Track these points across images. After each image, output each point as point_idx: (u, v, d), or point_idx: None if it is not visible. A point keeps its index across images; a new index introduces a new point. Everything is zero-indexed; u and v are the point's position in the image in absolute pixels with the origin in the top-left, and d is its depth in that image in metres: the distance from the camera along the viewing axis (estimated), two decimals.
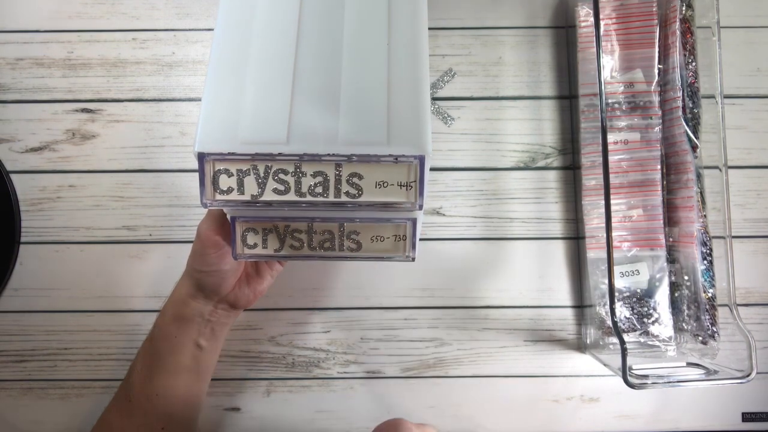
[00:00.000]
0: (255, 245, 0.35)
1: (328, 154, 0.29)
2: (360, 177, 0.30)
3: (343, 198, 0.30)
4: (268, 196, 0.30)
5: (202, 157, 0.29)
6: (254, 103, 0.30)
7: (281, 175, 0.30)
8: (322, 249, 0.35)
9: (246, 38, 0.31)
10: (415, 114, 0.30)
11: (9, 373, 0.53)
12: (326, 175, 0.30)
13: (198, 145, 0.29)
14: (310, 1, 0.32)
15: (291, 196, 0.30)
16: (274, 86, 0.30)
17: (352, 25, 0.31)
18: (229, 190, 0.30)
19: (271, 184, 0.30)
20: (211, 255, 0.40)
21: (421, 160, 0.29)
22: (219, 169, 0.30)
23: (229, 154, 0.29)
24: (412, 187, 0.30)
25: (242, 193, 0.30)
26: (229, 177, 0.30)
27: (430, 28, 0.54)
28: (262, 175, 0.30)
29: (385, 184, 0.30)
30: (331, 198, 0.30)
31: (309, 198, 0.30)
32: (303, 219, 0.34)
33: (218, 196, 0.30)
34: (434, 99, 0.55)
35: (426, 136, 0.30)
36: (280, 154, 0.29)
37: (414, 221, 0.34)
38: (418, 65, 0.31)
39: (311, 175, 0.30)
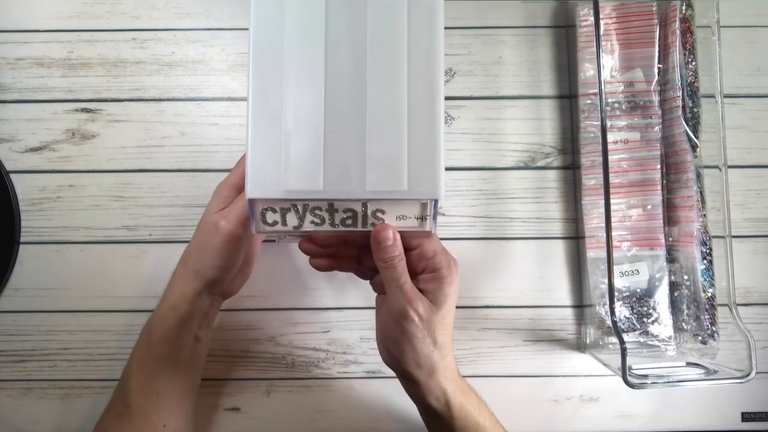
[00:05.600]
0: (275, 223, 0.37)
1: (358, 199, 0.36)
2: (383, 212, 0.36)
3: (369, 228, 0.37)
4: (307, 227, 0.37)
5: (252, 201, 0.35)
6: (293, 155, 0.35)
7: (317, 211, 0.36)
8: (343, 226, 0.37)
9: (278, 87, 0.35)
10: (431, 162, 0.35)
11: (9, 373, 0.53)
12: (355, 211, 0.36)
13: (249, 193, 0.35)
14: (335, 63, 0.35)
15: (326, 227, 0.37)
16: (309, 138, 0.35)
17: (374, 77, 0.35)
18: (274, 223, 0.36)
19: (309, 217, 0.36)
20: (232, 249, 0.40)
21: (435, 201, 0.36)
22: (265, 208, 0.36)
23: (276, 200, 0.36)
24: (426, 218, 0.37)
25: (285, 224, 0.36)
26: (273, 213, 0.36)
27: None
28: (301, 212, 0.36)
29: (404, 217, 0.37)
30: (359, 228, 0.37)
31: (341, 228, 0.37)
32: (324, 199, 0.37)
33: (265, 227, 0.37)
34: None
35: (440, 182, 0.35)
36: (316, 201, 0.36)
37: (435, 201, 0.37)
38: (434, 116, 0.35)
39: (342, 211, 0.36)
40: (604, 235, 0.47)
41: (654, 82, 0.50)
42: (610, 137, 0.50)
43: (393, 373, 0.42)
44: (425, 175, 0.34)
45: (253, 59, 0.35)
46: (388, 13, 0.35)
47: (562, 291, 0.54)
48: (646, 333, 0.50)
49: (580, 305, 0.53)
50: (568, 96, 0.55)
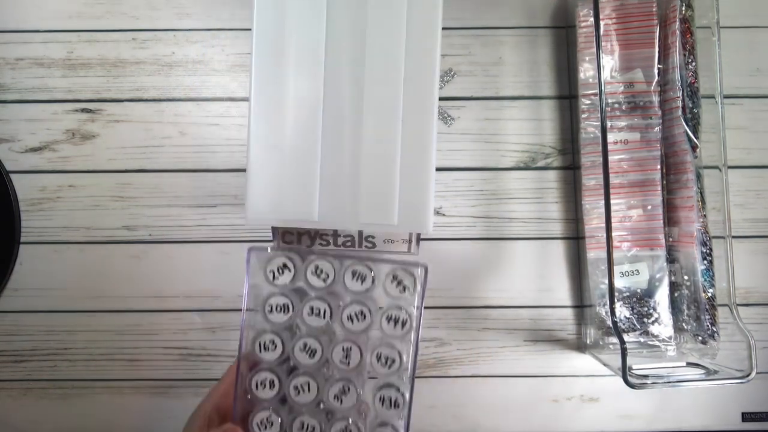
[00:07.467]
0: (292, 242, 0.40)
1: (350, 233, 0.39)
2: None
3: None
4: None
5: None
6: (290, 186, 0.37)
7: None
8: (344, 247, 0.41)
9: (278, 118, 0.37)
10: (422, 198, 0.37)
11: (9, 373, 0.53)
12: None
13: (248, 218, 0.37)
14: (332, 98, 0.37)
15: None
16: (306, 170, 0.37)
17: (369, 120, 0.37)
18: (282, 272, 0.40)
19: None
20: None
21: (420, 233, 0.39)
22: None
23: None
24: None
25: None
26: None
27: None
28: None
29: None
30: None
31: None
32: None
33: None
34: None
35: (428, 217, 0.37)
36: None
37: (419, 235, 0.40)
38: (427, 154, 0.37)
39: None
40: (605, 235, 0.47)
41: (654, 83, 0.50)
42: (610, 138, 0.50)
43: None
44: (415, 210, 0.37)
45: (254, 86, 0.36)
46: (384, 53, 0.37)
47: (562, 291, 0.54)
48: (647, 333, 0.50)
49: (580, 305, 0.53)
50: (568, 96, 0.55)
